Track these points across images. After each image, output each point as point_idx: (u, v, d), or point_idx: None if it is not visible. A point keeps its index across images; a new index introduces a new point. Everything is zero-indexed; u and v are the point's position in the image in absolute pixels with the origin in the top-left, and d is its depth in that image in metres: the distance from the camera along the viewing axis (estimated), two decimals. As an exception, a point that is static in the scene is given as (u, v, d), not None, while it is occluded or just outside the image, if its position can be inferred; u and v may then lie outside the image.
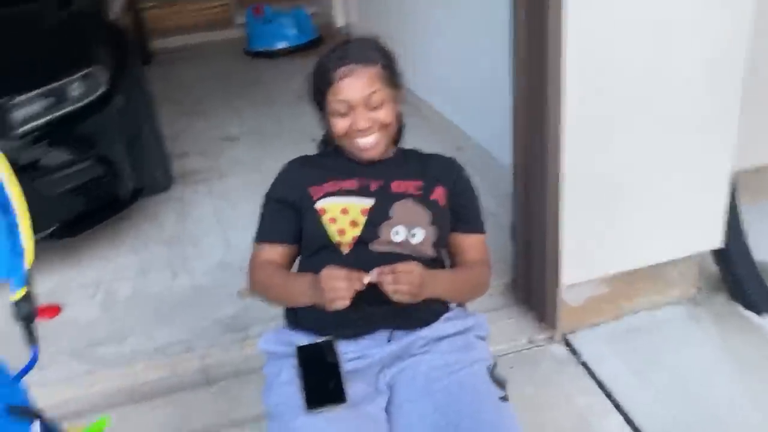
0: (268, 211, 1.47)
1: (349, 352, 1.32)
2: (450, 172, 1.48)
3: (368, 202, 1.38)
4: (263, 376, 1.40)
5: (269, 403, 1.30)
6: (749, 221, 2.19)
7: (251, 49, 5.17)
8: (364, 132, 1.35)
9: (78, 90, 2.46)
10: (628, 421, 1.80)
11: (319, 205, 1.38)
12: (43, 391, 1.25)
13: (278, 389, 1.29)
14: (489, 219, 2.37)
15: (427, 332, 1.35)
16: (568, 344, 2.08)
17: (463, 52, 3.22)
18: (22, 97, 2.34)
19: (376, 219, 1.36)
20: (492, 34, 2.78)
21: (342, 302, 1.22)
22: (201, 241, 2.72)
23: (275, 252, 1.43)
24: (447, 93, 3.52)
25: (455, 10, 3.21)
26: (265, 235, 1.46)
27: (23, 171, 2.24)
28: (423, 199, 1.39)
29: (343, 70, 1.33)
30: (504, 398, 1.27)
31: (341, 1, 5.14)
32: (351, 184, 1.41)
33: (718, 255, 2.17)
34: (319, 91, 1.38)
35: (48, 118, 2.37)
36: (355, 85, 1.33)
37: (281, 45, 5.03)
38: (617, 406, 1.85)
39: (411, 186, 1.41)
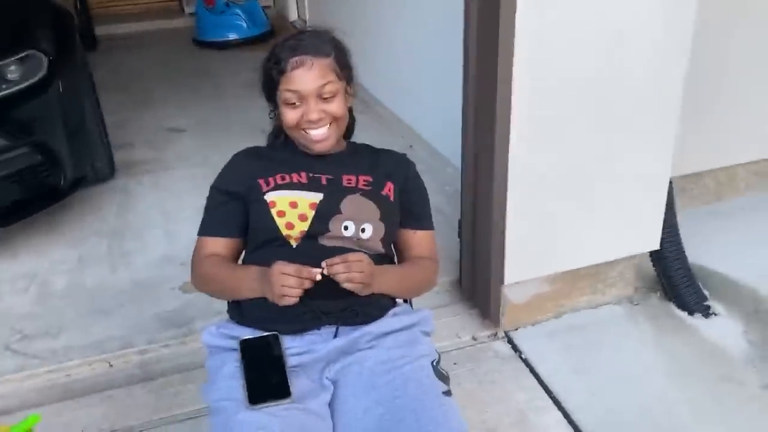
0: (213, 203, 1.44)
1: (294, 347, 1.30)
2: (401, 168, 1.48)
3: (317, 197, 1.36)
4: (205, 371, 1.38)
5: (211, 398, 1.27)
6: (686, 225, 2.27)
7: (201, 39, 5.08)
8: (315, 123, 1.34)
9: (16, 72, 2.37)
10: (566, 415, 1.85)
11: (268, 197, 1.36)
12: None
13: (220, 383, 1.26)
14: (437, 216, 2.38)
15: (373, 327, 1.35)
16: (510, 341, 2.11)
17: (414, 49, 3.24)
18: (-44, 79, 2.24)
19: (325, 213, 1.35)
20: (443, 32, 2.81)
21: (291, 299, 1.21)
22: (143, 234, 2.66)
23: (220, 245, 1.41)
24: (398, 91, 3.53)
25: (407, 9, 3.23)
26: (209, 228, 1.43)
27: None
28: (373, 194, 1.39)
29: (296, 60, 1.32)
30: (447, 393, 1.28)
31: (294, -6, 5.10)
32: (301, 177, 1.39)
33: (655, 256, 2.24)
34: (271, 80, 1.36)
35: (-18, 100, 2.28)
36: (307, 76, 1.31)
37: (232, 36, 4.96)
38: (555, 402, 1.89)
39: (361, 180, 1.41)
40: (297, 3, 5.05)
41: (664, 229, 2.16)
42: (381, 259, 1.38)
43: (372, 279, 1.25)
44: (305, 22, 4.96)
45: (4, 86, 2.34)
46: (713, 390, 1.91)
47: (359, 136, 1.56)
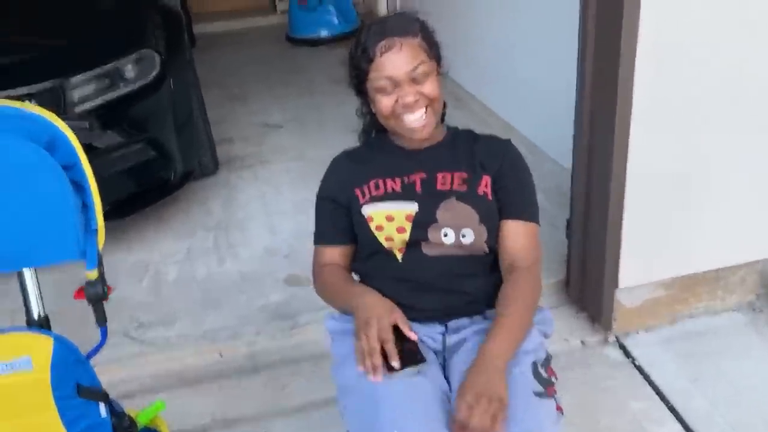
0: (322, 211, 1.45)
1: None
2: (497, 154, 1.39)
3: (412, 207, 1.33)
4: (330, 356, 1.39)
5: (345, 377, 1.27)
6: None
7: (293, 36, 5.15)
8: (411, 107, 1.29)
9: (132, 72, 2.46)
10: (686, 428, 1.76)
11: (365, 212, 1.36)
12: (96, 370, 1.25)
13: (353, 364, 1.25)
14: (542, 218, 2.33)
15: (482, 318, 1.35)
16: (622, 347, 2.03)
17: (509, 40, 3.17)
18: (78, 78, 2.35)
19: (422, 223, 1.32)
20: (543, 21, 2.74)
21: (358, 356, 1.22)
22: (247, 226, 2.72)
23: (335, 253, 1.43)
24: (493, 84, 3.47)
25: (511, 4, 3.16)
26: (322, 237, 1.45)
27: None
28: (469, 194, 1.34)
29: (383, 44, 1.27)
30: (540, 394, 1.21)
31: (384, -10, 5.10)
32: (395, 184, 1.36)
33: (782, 262, 2.10)
34: (360, 70, 1.31)
35: (102, 99, 2.39)
36: (398, 59, 1.26)
37: (324, 33, 5.00)
38: (674, 412, 1.80)
39: (457, 179, 1.35)
40: (387, -2, 5.05)
41: (793, 232, 2.02)
42: (487, 257, 1.34)
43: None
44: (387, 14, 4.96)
45: (122, 85, 2.44)
46: None
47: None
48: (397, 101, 1.29)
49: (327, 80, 4.23)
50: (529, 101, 3.05)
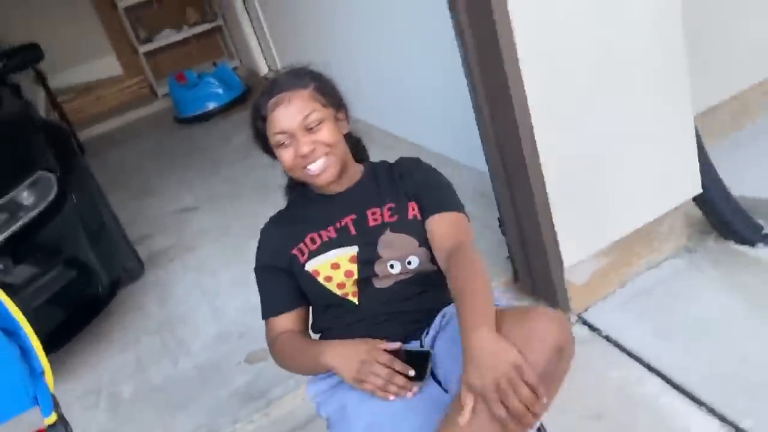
0: (263, 283, 1.44)
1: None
2: (409, 173, 1.43)
3: (353, 250, 1.35)
4: (321, 419, 1.37)
5: (351, 428, 1.23)
6: (716, 161, 2.25)
7: (182, 116, 5.10)
8: (309, 157, 1.32)
9: (30, 198, 2.37)
10: (667, 381, 1.81)
11: (309, 268, 1.37)
12: None
13: (357, 413, 1.23)
14: (473, 223, 2.37)
15: (445, 310, 1.36)
16: (585, 323, 2.09)
17: (397, 66, 3.25)
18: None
19: (367, 261, 1.34)
20: (423, 45, 2.82)
21: (378, 390, 1.21)
22: (191, 318, 2.64)
23: (287, 321, 1.42)
24: (393, 112, 3.54)
25: (375, 36, 3.24)
26: (270, 310, 1.43)
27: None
28: (401, 223, 1.37)
29: (273, 101, 1.32)
30: None
31: (260, 51, 5.13)
32: (330, 233, 1.38)
33: (700, 200, 2.22)
34: (259, 132, 1.36)
35: (6, 233, 2.27)
36: (288, 112, 1.31)
37: (212, 105, 4.98)
38: (652, 370, 1.86)
39: (386, 212, 1.38)
40: (265, 56, 5.08)
41: (701, 171, 2.14)
42: (435, 275, 1.36)
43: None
44: (277, 73, 4.99)
45: (22, 214, 2.33)
46: (801, 314, 1.88)
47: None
48: (295, 153, 1.32)
49: (229, 150, 4.20)
50: (431, 118, 3.13)
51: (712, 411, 1.68)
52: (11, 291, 2.25)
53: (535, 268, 2.11)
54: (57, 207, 2.45)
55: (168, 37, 5.74)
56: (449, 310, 1.36)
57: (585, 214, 2.00)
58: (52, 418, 1.11)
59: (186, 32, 5.79)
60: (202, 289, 2.80)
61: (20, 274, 2.30)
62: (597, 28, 1.81)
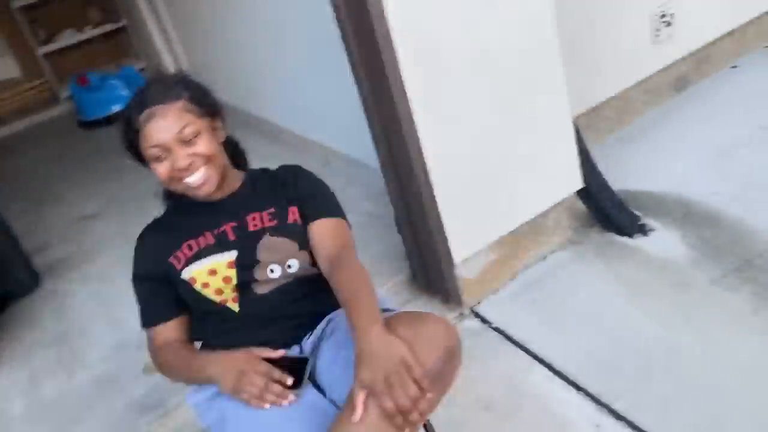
0: (141, 292, 1.43)
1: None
2: (290, 180, 1.45)
3: (232, 255, 1.35)
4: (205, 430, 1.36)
5: None
6: (601, 156, 2.39)
7: (85, 119, 4.92)
8: (186, 170, 1.30)
9: None
10: (551, 369, 1.90)
11: (185, 275, 1.36)
12: None
13: (236, 421, 1.24)
14: (375, 221, 2.41)
15: (328, 318, 1.38)
16: (477, 315, 2.16)
17: (305, 70, 3.25)
18: None
19: (246, 266, 1.35)
20: (325, 47, 2.84)
21: (256, 400, 1.21)
22: (87, 330, 2.56)
23: (167, 330, 1.41)
24: (299, 112, 3.53)
25: (281, 33, 3.24)
26: (148, 319, 1.42)
27: None
28: (281, 227, 1.38)
29: (145, 114, 1.28)
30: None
31: (167, 51, 5.01)
32: (207, 239, 1.38)
33: (583, 194, 2.34)
34: (131, 144, 1.33)
35: None
36: (161, 127, 1.28)
37: (116, 108, 4.82)
38: (537, 359, 1.95)
39: (266, 217, 1.39)
40: (173, 56, 4.97)
41: (582, 166, 2.26)
42: (318, 278, 1.37)
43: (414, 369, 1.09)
44: (146, 82, 4.88)
45: None
46: (672, 299, 2.01)
47: (274, 167, 1.55)
48: (172, 167, 1.29)
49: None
50: (336, 119, 3.15)
51: (588, 395, 1.78)
52: None
53: (428, 264, 2.17)
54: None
55: (70, 37, 5.52)
56: (336, 316, 1.38)
57: (473, 209, 2.07)
58: None
59: (88, 33, 5.58)
60: (101, 298, 2.72)
61: None
62: (473, 27, 1.87)
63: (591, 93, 2.70)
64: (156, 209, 1.52)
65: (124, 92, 4.85)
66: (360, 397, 1.08)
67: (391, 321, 1.17)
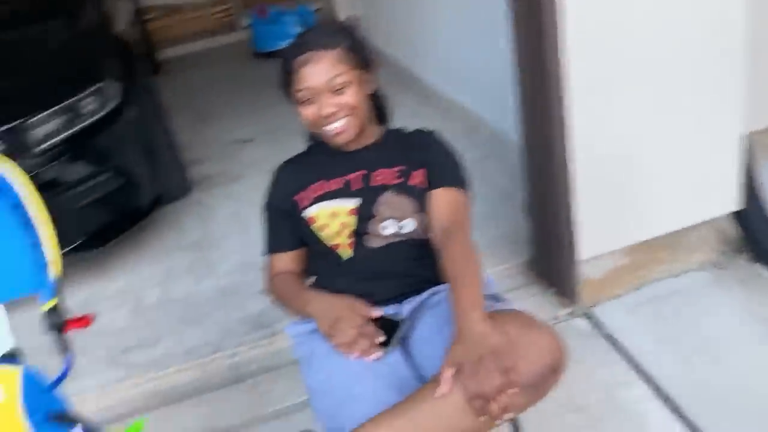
0: (268, 221, 1.52)
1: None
2: (424, 145, 1.46)
3: (353, 203, 1.40)
4: (293, 366, 1.44)
5: (310, 378, 1.32)
6: (766, 182, 2.18)
7: (258, 50, 5.20)
8: (330, 118, 1.34)
9: (91, 105, 2.52)
10: (655, 389, 1.81)
11: (308, 213, 1.42)
12: (83, 399, 1.30)
13: (318, 365, 1.31)
14: (507, 199, 2.37)
15: (434, 290, 1.38)
16: (590, 318, 2.08)
17: (466, 35, 3.22)
18: (38, 117, 2.41)
19: (364, 217, 1.38)
20: (494, 12, 2.79)
21: (345, 347, 1.26)
22: (222, 243, 2.77)
23: (285, 260, 1.49)
24: (456, 77, 3.52)
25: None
26: (271, 246, 1.51)
27: (45, 188, 2.31)
28: (404, 186, 1.40)
29: (301, 58, 1.33)
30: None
31: (343, -5, 5.15)
32: (335, 184, 1.43)
33: (738, 217, 2.15)
34: (285, 82, 1.38)
35: (64, 134, 2.44)
36: (314, 72, 1.31)
37: (286, 44, 5.05)
38: (643, 375, 1.86)
39: (393, 174, 1.41)
40: (349, 2, 5.09)
41: (744, 187, 2.07)
42: (426, 244, 1.38)
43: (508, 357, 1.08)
44: (358, 19, 5.00)
45: (81, 119, 2.49)
46: (812, 350, 1.83)
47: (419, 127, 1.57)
48: (317, 112, 1.35)
49: (294, 90, 4.28)
50: (491, 90, 3.10)
51: (690, 426, 1.68)
52: (63, 187, 2.44)
53: (550, 254, 2.11)
54: (115, 117, 2.59)
55: (260, -32, 5.80)
56: (441, 290, 1.38)
57: (611, 209, 1.98)
58: (50, 305, 1.22)
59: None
60: (239, 217, 2.93)
61: (73, 173, 2.47)
62: (650, 21, 1.76)
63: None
64: (303, 145, 1.60)
65: (296, 29, 5.05)
66: (447, 374, 1.09)
67: (501, 316, 1.18)
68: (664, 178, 1.99)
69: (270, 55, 5.10)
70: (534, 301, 2.17)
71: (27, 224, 1.21)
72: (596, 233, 2.00)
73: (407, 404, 1.13)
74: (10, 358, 1.29)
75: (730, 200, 2.09)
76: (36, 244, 1.21)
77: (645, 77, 1.82)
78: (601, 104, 1.82)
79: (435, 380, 1.12)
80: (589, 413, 1.76)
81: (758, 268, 2.16)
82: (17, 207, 1.21)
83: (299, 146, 1.59)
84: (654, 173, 1.98)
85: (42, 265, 1.21)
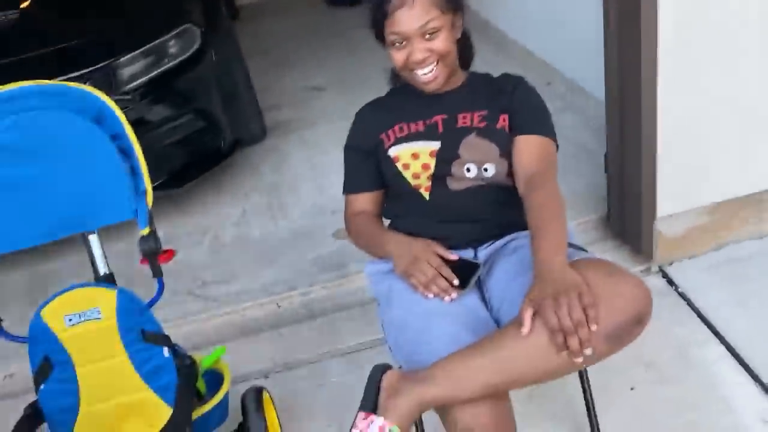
0: (349, 161, 1.54)
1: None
2: (511, 90, 1.45)
3: (436, 145, 1.41)
4: (374, 300, 1.51)
5: (389, 315, 1.36)
6: None
7: (332, -1, 5.19)
8: (421, 63, 1.35)
9: (175, 48, 2.59)
10: (730, 349, 1.78)
11: (392, 152, 1.44)
12: (166, 327, 1.39)
13: (397, 301, 1.35)
14: (583, 154, 2.33)
15: (513, 236, 1.40)
16: (665, 275, 2.05)
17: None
18: (125, 58, 2.49)
19: (446, 159, 1.39)
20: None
21: (421, 287, 1.29)
22: (296, 187, 2.84)
23: (364, 200, 1.52)
24: (532, 26, 3.43)
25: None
26: (351, 186, 1.54)
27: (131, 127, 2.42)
28: (488, 130, 1.40)
29: (395, 1, 1.32)
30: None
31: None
32: (418, 126, 1.44)
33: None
34: (377, 24, 1.38)
35: (150, 75, 2.52)
36: (408, 16, 1.31)
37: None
38: (718, 336, 1.82)
39: (476, 117, 1.42)
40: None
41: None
42: (510, 190, 1.39)
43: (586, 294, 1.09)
44: None
45: (167, 60, 2.57)
46: None
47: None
48: (408, 56, 1.35)
49: (367, 39, 4.20)
50: (568, 40, 3.01)
51: (764, 387, 1.65)
52: (146, 127, 2.54)
53: (627, 209, 2.08)
54: (198, 60, 2.66)
55: None
56: (521, 236, 1.39)
57: (694, 164, 1.93)
58: (146, 230, 1.30)
59: None
60: (313, 164, 2.98)
61: (156, 113, 2.56)
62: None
63: None
64: (377, 93, 1.61)
65: (373, -22, 5.00)
66: (528, 312, 1.10)
67: (585, 263, 1.17)
68: (750, 137, 1.91)
69: (344, 2, 5.08)
70: (608, 257, 2.12)
71: (126, 153, 1.28)
72: (675, 190, 1.96)
73: (486, 343, 1.15)
74: (106, 282, 1.39)
75: (824, 161, 1.98)
76: (134, 172, 1.28)
77: (741, 34, 1.74)
78: (689, 61, 1.75)
79: (515, 322, 1.13)
80: (660, 370, 1.76)
81: None
82: (117, 137, 1.28)
83: (370, 96, 1.60)
84: (739, 132, 1.90)
85: (141, 192, 1.29)
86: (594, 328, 1.07)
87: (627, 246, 2.15)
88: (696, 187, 1.97)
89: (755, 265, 2.02)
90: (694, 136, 1.87)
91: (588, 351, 1.06)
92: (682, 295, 1.97)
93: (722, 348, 1.79)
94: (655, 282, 2.03)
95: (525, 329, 1.10)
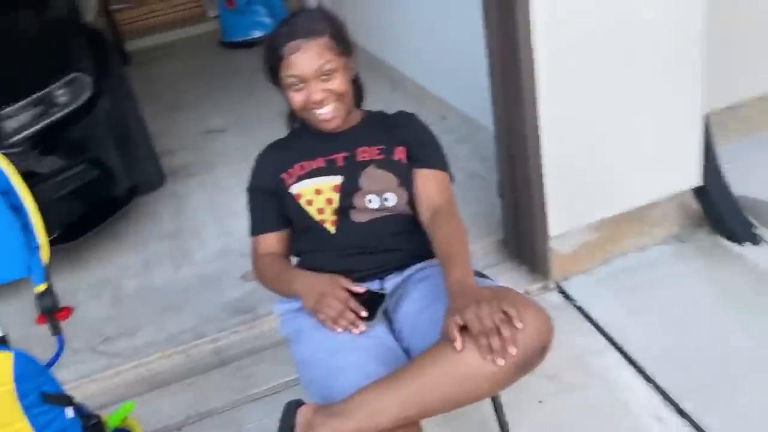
0: (254, 203, 1.56)
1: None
2: (404, 124, 1.53)
3: (338, 179, 1.45)
4: (284, 339, 1.50)
5: (300, 352, 1.37)
6: (729, 158, 2.27)
7: (227, 40, 5.20)
8: (320, 103, 1.40)
9: (65, 96, 2.51)
10: (625, 356, 1.90)
11: (293, 190, 1.47)
12: (68, 389, 1.33)
13: (307, 340, 1.36)
14: (478, 182, 2.45)
15: (420, 267, 1.45)
16: (561, 291, 2.17)
17: (437, 23, 3.27)
18: (11, 108, 2.40)
19: (348, 192, 1.44)
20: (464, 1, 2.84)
21: (329, 322, 1.32)
22: (199, 232, 2.79)
23: (271, 241, 1.53)
24: (425, 64, 3.57)
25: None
26: (256, 227, 1.55)
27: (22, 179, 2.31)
28: (386, 161, 1.46)
29: (291, 45, 1.36)
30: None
31: (310, -16, 5.16)
32: (319, 162, 1.48)
33: (699, 193, 2.25)
34: (272, 68, 1.42)
35: (38, 126, 2.43)
36: (304, 59, 1.36)
37: (257, 33, 5.06)
38: (613, 344, 1.94)
39: (375, 151, 1.48)
40: (315, -10, 5.10)
41: (705, 163, 2.17)
42: (411, 220, 1.46)
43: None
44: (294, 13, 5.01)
45: (56, 110, 2.48)
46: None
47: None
48: (306, 98, 1.39)
49: (263, 79, 4.28)
50: (459, 76, 3.16)
51: (657, 388, 1.77)
52: (36, 179, 2.43)
53: (522, 232, 2.19)
54: (89, 108, 2.59)
55: (225, -41, 5.77)
56: (429, 266, 1.45)
57: (579, 186, 2.06)
58: (41, 287, 1.25)
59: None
60: (215, 206, 2.95)
61: (47, 165, 2.47)
62: (618, 5, 1.83)
63: (734, 90, 2.55)
64: (276, 132, 1.64)
65: (266, 20, 5.06)
66: (453, 327, 1.11)
67: (494, 292, 1.20)
68: (629, 157, 2.08)
69: (239, 45, 5.11)
70: (506, 278, 2.24)
71: (16, 209, 1.24)
72: (564, 210, 2.08)
73: (400, 374, 1.16)
74: (1, 344, 1.31)
75: (692, 176, 2.18)
76: (26, 228, 1.24)
77: (610, 60, 1.90)
78: (567, 88, 1.89)
79: (435, 347, 1.15)
80: (563, 380, 1.85)
81: (717, 239, 2.26)
82: (6, 192, 1.23)
83: (270, 136, 1.63)
84: (619, 152, 2.06)
85: (33, 248, 1.24)
86: (519, 325, 1.11)
87: (525, 266, 2.26)
88: (583, 206, 2.11)
89: (641, 276, 2.17)
90: (578, 159, 2.01)
91: (513, 350, 1.09)
92: (579, 309, 2.09)
93: (618, 355, 1.91)
94: (553, 298, 2.15)
95: (458, 344, 1.10)
